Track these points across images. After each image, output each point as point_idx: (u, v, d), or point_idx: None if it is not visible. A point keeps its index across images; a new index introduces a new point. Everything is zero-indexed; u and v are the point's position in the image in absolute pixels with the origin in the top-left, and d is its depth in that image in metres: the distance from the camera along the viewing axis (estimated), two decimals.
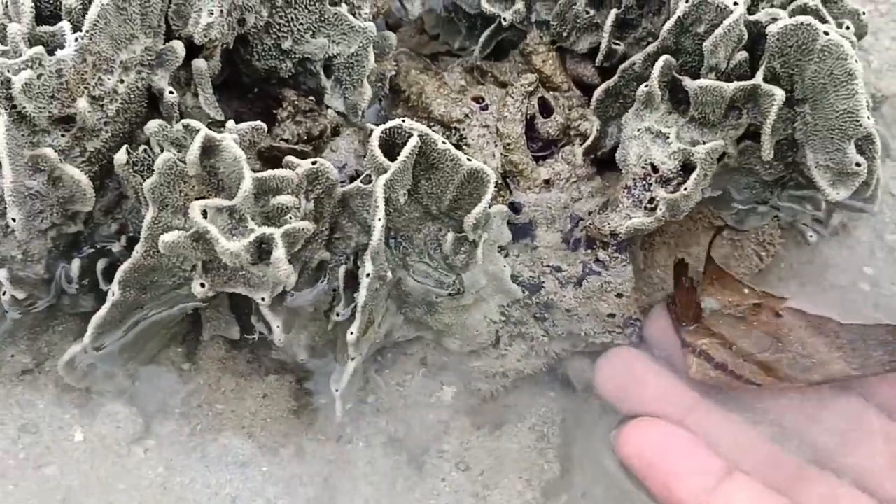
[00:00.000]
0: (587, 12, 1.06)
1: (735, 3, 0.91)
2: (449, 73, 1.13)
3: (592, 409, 1.03)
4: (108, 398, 0.98)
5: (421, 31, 1.23)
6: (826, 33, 0.89)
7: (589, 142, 1.06)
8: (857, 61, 0.89)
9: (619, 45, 1.07)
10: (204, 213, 0.81)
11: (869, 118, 0.90)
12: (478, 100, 1.08)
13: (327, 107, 1.06)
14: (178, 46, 0.91)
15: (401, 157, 0.87)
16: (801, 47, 0.90)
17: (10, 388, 0.98)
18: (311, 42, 1.01)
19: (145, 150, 0.89)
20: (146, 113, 0.93)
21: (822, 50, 0.89)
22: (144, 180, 0.85)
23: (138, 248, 0.86)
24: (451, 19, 1.19)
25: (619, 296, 1.02)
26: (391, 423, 1.02)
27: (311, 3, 0.99)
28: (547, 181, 1.06)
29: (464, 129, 1.06)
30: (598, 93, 1.05)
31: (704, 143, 0.96)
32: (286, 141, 1.03)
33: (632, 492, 0.95)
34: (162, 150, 0.88)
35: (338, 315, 0.96)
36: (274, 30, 1.00)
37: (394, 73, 1.12)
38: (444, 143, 0.90)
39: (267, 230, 0.81)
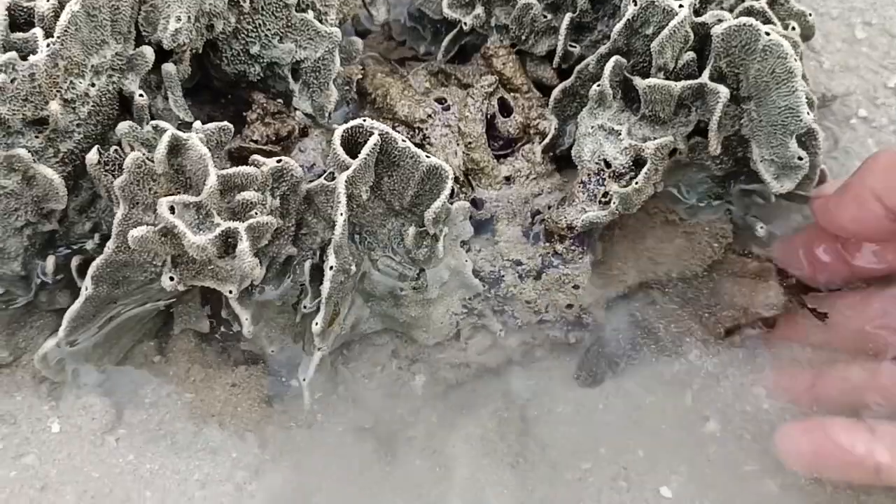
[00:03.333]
0: (545, 16, 1.10)
1: (680, 6, 0.95)
2: (414, 77, 1.16)
3: (552, 394, 1.06)
4: (83, 390, 1.01)
5: (389, 37, 1.26)
6: (767, 34, 0.93)
7: (547, 140, 1.10)
8: (796, 60, 0.92)
9: (575, 47, 1.11)
10: (172, 210, 0.84)
11: (809, 114, 0.94)
12: (440, 101, 1.12)
13: (295, 109, 1.10)
14: (148, 52, 0.95)
15: (361, 155, 0.91)
16: (745, 47, 0.94)
17: None
18: (278, 47, 1.05)
19: (116, 151, 0.92)
20: (118, 115, 0.96)
21: (764, 49, 0.93)
22: (113, 178, 0.89)
23: (110, 245, 0.90)
24: (415, 26, 1.23)
25: (577, 287, 1.06)
26: (360, 411, 1.05)
27: (278, 9, 1.02)
28: (508, 178, 1.10)
29: (427, 129, 1.10)
30: (555, 93, 1.09)
31: (655, 139, 1.00)
32: (255, 142, 1.07)
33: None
34: (132, 150, 0.91)
35: (305, 307, 0.99)
36: (242, 35, 1.03)
37: (360, 76, 1.15)
38: (403, 141, 0.94)
39: (232, 224, 0.84)
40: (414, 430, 1.05)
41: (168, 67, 0.97)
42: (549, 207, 1.08)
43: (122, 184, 0.87)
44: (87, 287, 0.92)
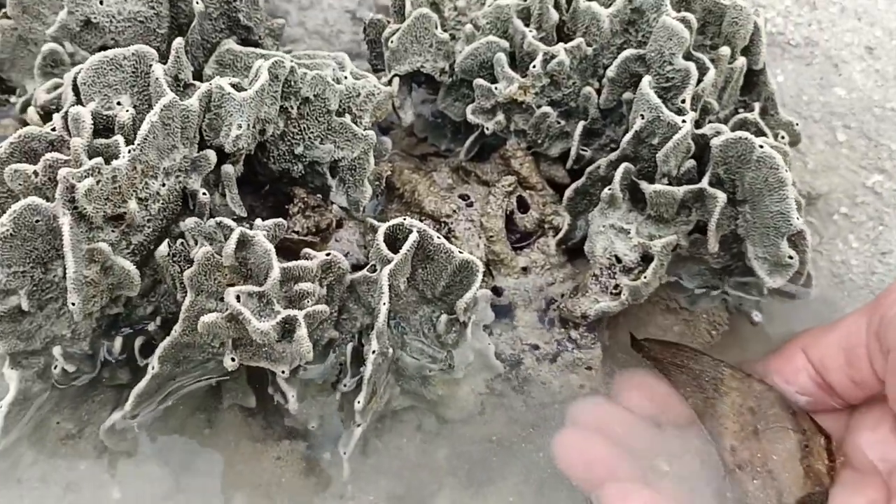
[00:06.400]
0: (558, 122, 1.22)
1: (683, 121, 1.07)
2: (437, 173, 1.28)
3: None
4: (142, 459, 1.09)
5: (411, 133, 1.37)
6: (761, 146, 1.04)
7: (561, 234, 1.22)
8: (787, 171, 1.04)
9: (585, 150, 1.23)
10: (238, 298, 0.95)
11: (798, 218, 1.05)
12: (464, 197, 1.24)
13: (332, 203, 1.21)
14: (211, 155, 1.06)
15: (402, 251, 1.01)
16: (740, 157, 1.06)
17: (55, 452, 1.09)
18: (320, 148, 1.16)
19: (182, 244, 1.03)
20: (181, 209, 1.07)
21: (758, 160, 1.04)
22: (180, 268, 1.00)
23: (177, 328, 1.00)
24: (437, 124, 1.35)
25: (589, 369, 1.16)
26: (389, 482, 1.13)
27: (321, 114, 1.14)
28: (525, 268, 1.21)
29: (452, 223, 1.21)
30: (568, 192, 1.21)
31: (660, 237, 1.11)
32: (297, 233, 1.17)
33: None
34: (196, 243, 1.02)
35: (344, 386, 1.09)
36: (288, 138, 1.14)
37: (389, 172, 1.26)
38: (439, 238, 1.04)
39: (292, 312, 0.95)
40: (439, 501, 1.13)
41: (227, 168, 1.08)
42: (563, 296, 1.19)
43: (191, 275, 0.97)
44: (153, 366, 1.01)
